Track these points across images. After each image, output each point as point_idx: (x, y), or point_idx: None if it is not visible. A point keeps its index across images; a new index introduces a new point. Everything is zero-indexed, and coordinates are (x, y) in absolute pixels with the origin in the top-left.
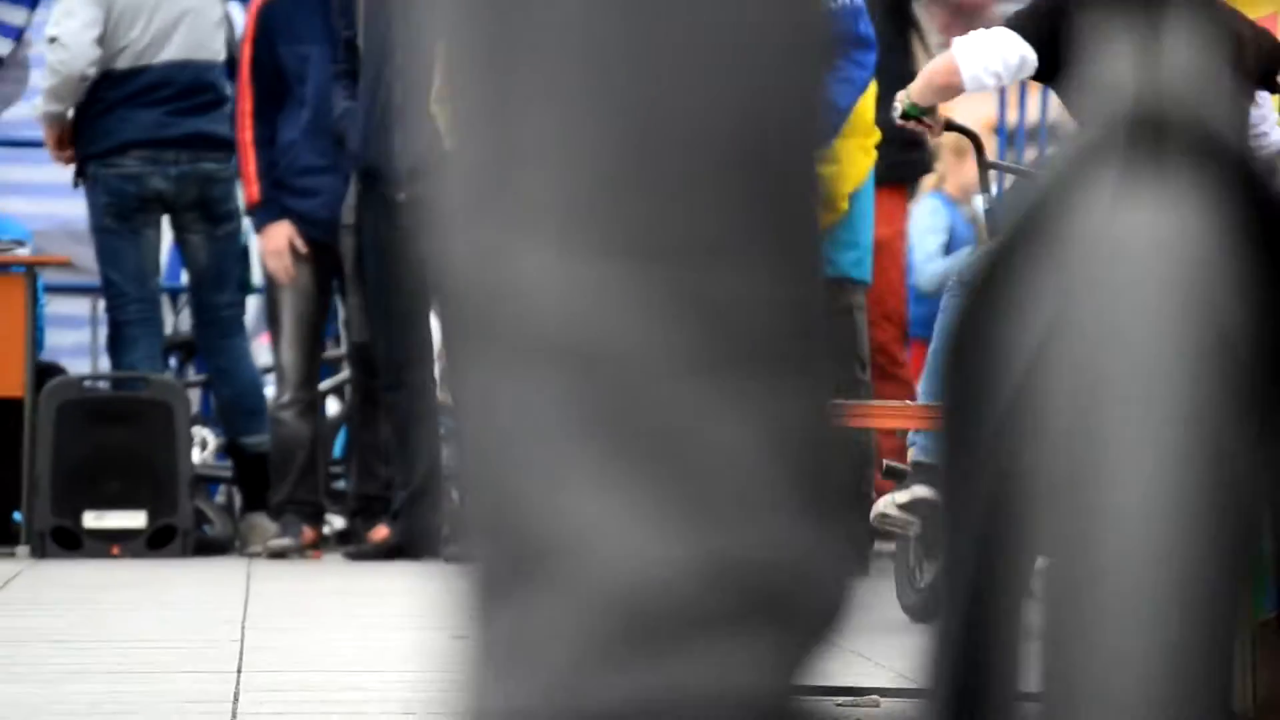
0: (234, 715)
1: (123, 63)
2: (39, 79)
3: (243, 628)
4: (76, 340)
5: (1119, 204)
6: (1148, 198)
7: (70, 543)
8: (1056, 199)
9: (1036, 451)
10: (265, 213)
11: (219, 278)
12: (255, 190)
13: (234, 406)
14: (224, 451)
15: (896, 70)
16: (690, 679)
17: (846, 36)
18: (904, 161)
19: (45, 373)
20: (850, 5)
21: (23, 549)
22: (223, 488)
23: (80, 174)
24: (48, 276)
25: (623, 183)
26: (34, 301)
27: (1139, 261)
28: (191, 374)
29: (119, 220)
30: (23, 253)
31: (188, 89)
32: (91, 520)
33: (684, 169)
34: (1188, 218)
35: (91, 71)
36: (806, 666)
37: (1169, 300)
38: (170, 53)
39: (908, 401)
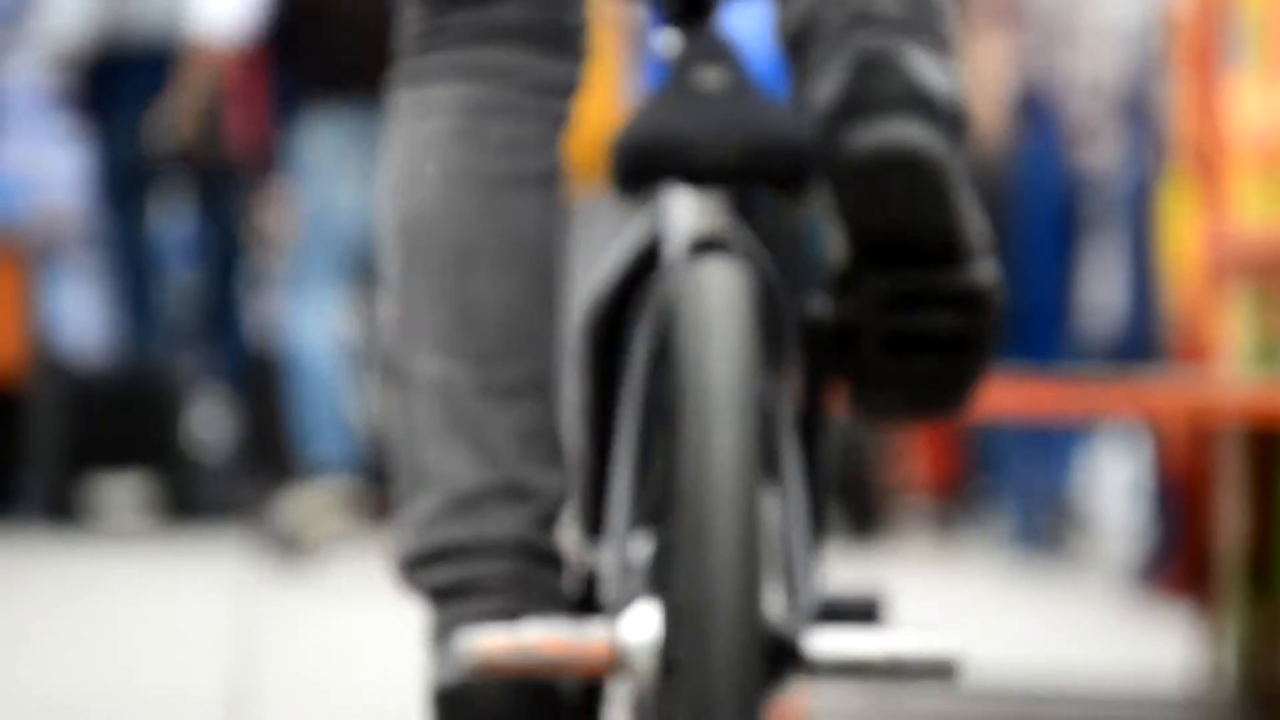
0: (232, 704)
1: (135, 30)
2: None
3: (242, 615)
4: (84, 309)
5: (698, 270)
6: (716, 269)
7: (73, 516)
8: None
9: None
10: (266, 168)
11: (226, 245)
12: (249, 134)
13: (244, 377)
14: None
15: None
16: (482, 531)
17: None
18: None
19: (49, 358)
20: None
21: (24, 522)
22: (232, 459)
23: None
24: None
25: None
26: (36, 275)
27: (714, 301)
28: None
29: (126, 189)
30: (24, 223)
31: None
32: (95, 492)
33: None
34: (739, 284)
35: (78, 44)
36: (550, 526)
37: (735, 325)
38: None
39: None
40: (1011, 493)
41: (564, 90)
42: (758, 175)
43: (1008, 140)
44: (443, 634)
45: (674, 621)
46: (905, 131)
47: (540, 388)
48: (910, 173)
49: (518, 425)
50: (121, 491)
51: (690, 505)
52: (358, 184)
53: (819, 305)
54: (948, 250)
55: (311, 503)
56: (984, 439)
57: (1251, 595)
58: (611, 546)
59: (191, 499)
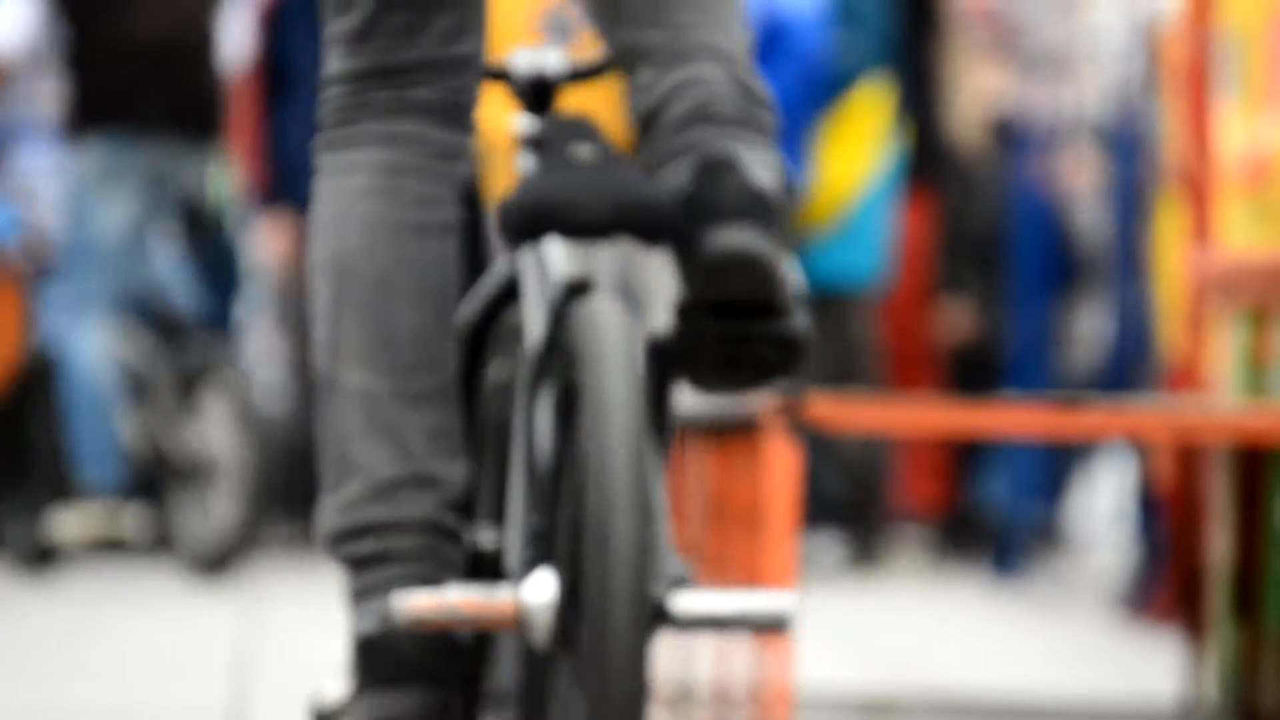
0: (234, 715)
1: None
2: None
3: (245, 629)
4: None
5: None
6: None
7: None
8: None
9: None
10: (267, 200)
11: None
12: (259, 171)
13: None
14: None
15: (913, 72)
16: (397, 512)
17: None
18: (932, 168)
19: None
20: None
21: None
22: None
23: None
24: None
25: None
26: (33, 295)
27: (609, 331)
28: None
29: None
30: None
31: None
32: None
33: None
34: (622, 317)
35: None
36: (453, 507)
37: (624, 348)
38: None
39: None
40: (1002, 518)
41: (461, 155)
42: (625, 230)
43: (994, 170)
44: (362, 595)
45: (570, 586)
46: (743, 238)
47: (445, 395)
48: (745, 268)
49: (427, 426)
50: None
51: (595, 494)
52: (126, 209)
53: (664, 333)
54: (768, 308)
55: (74, 519)
56: (976, 466)
57: (1237, 617)
58: (513, 525)
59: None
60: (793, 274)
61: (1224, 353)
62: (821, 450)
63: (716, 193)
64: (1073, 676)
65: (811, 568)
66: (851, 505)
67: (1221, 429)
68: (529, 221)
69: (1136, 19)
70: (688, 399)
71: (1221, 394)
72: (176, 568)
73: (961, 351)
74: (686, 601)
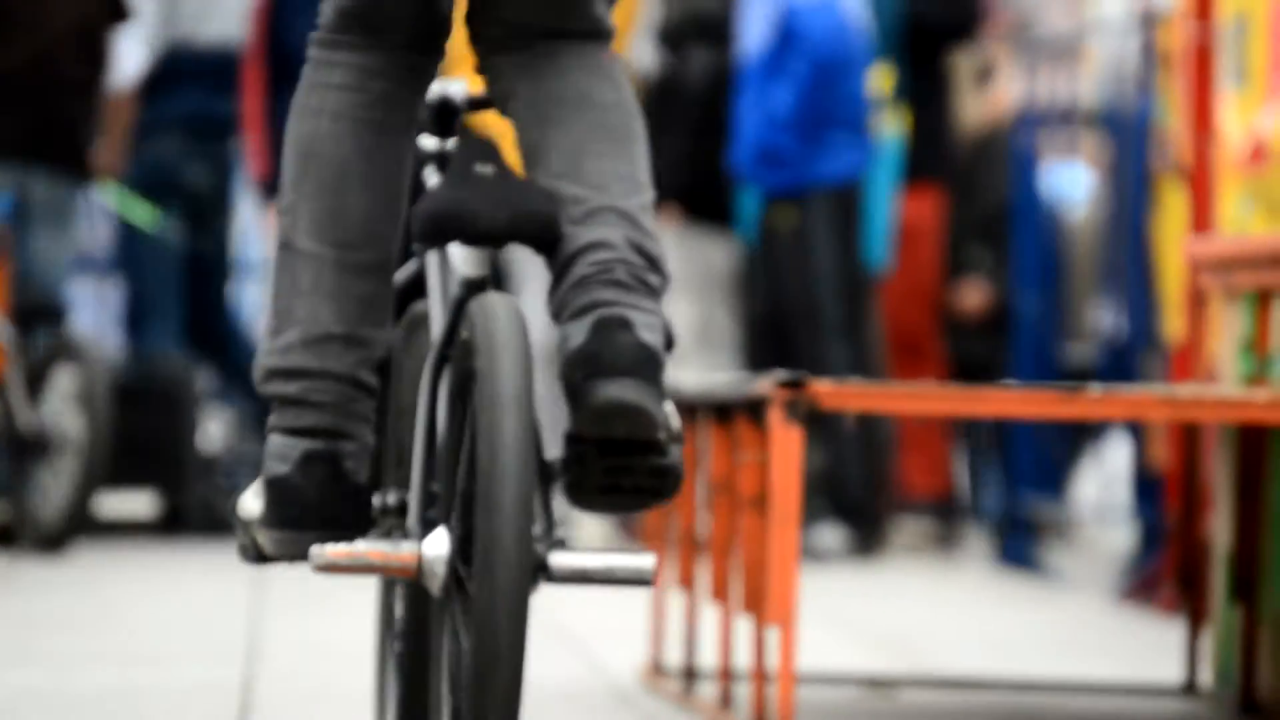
0: (245, 702)
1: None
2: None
3: (253, 613)
4: (93, 318)
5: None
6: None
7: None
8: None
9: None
10: (272, 190)
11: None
12: (265, 164)
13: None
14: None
15: (918, 62)
16: (324, 363)
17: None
18: (934, 155)
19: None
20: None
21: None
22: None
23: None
24: None
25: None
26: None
27: (503, 320)
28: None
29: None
30: None
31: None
32: (101, 502)
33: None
34: (515, 309)
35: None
36: (373, 368)
37: (516, 336)
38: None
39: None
40: (1002, 506)
41: (430, 74)
42: (520, 238)
43: (999, 154)
44: (277, 430)
45: (463, 542)
46: (626, 392)
47: (383, 269)
48: (630, 420)
49: (363, 294)
50: (134, 503)
51: (485, 463)
52: None
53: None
54: (647, 448)
55: None
56: (980, 453)
57: (1236, 599)
58: (416, 490)
59: (204, 508)
60: (670, 418)
61: (1225, 339)
62: (832, 440)
63: (609, 350)
64: (1072, 659)
65: (817, 554)
66: (860, 494)
67: (1220, 407)
68: (436, 228)
69: (1135, 5)
70: (691, 378)
71: (1223, 380)
72: (23, 548)
73: (969, 342)
74: (562, 559)
